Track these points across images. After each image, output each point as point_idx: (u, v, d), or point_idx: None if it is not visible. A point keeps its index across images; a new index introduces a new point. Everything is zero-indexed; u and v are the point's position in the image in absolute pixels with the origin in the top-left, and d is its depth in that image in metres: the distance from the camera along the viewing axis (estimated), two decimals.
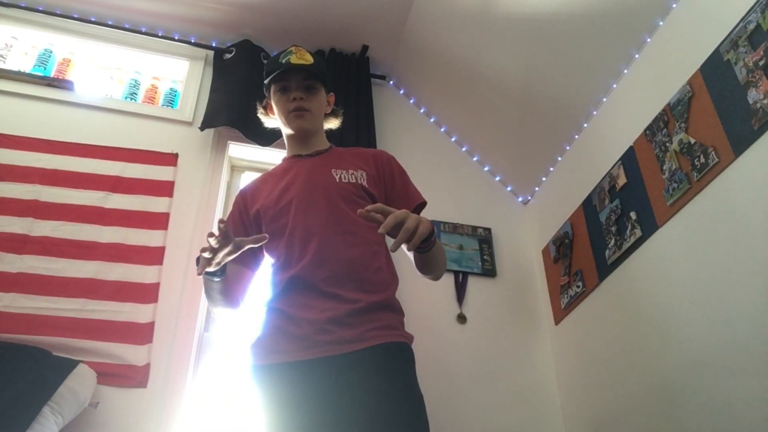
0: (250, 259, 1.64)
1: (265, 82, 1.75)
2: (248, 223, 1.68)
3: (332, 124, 1.88)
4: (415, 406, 1.34)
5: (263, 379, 1.44)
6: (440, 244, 1.58)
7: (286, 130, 1.77)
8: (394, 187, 1.70)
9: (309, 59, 1.72)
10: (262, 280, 1.67)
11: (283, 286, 1.52)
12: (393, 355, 1.40)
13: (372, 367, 1.35)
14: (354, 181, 1.63)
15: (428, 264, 1.56)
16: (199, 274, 1.40)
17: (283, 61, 1.70)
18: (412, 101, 3.29)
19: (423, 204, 1.69)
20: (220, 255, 1.38)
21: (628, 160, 2.29)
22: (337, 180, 1.63)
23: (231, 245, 1.37)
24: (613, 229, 2.32)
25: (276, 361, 1.43)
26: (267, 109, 1.81)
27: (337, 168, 1.66)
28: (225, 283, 1.53)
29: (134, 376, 2.14)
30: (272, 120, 1.82)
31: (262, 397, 1.42)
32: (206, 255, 1.36)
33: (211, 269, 1.42)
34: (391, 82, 3.32)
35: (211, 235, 1.34)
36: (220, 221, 1.36)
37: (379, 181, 1.68)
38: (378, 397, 1.30)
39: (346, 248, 1.52)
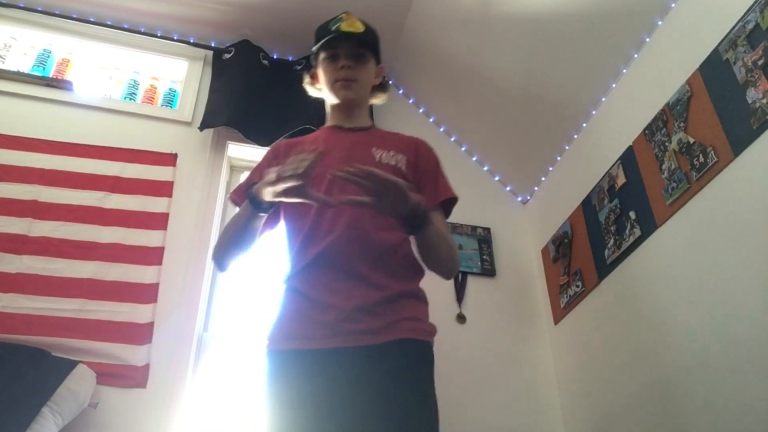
0: (272, 218, 1.55)
1: (313, 49, 1.67)
2: None
3: (379, 99, 1.78)
4: (426, 416, 1.30)
5: (280, 365, 1.36)
6: (444, 236, 1.49)
7: (330, 100, 1.68)
8: (425, 175, 1.61)
9: (360, 27, 1.65)
10: (281, 253, 1.58)
11: (307, 261, 1.44)
12: (416, 357, 1.35)
13: (392, 367, 1.30)
14: (394, 164, 1.55)
15: (425, 253, 1.47)
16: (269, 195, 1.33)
17: (333, 28, 1.63)
18: (411, 101, 3.29)
19: (452, 200, 1.59)
20: (285, 186, 1.28)
21: (628, 159, 2.29)
22: (377, 160, 1.55)
23: (301, 182, 1.28)
24: (613, 228, 2.32)
25: (297, 347, 1.35)
26: (313, 78, 1.71)
27: (378, 147, 1.59)
28: (261, 221, 1.46)
29: (133, 377, 2.14)
30: (316, 90, 1.71)
31: (277, 384, 1.34)
32: (287, 175, 1.27)
33: (268, 198, 1.35)
34: (390, 82, 3.32)
35: (302, 159, 1.26)
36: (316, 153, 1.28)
37: (415, 169, 1.59)
38: (391, 400, 1.26)
39: (378, 230, 1.45)
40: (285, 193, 1.31)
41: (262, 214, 1.44)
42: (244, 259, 1.54)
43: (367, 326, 1.33)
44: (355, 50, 1.63)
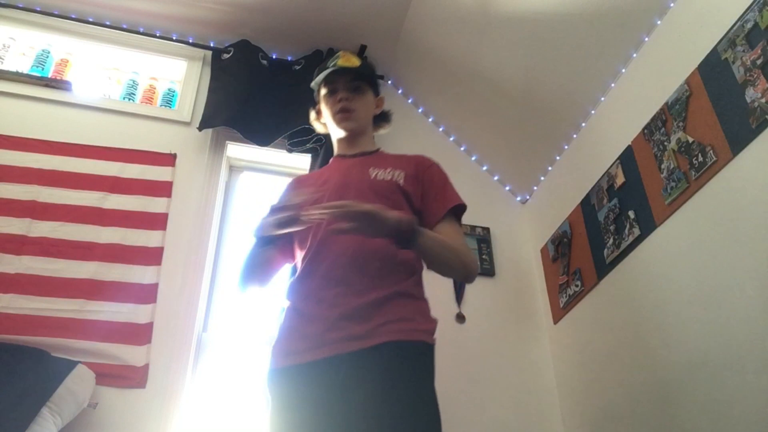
0: (288, 250, 1.64)
1: (313, 85, 1.79)
2: None
3: (383, 128, 1.86)
4: (421, 416, 1.28)
5: (276, 383, 1.41)
6: (447, 244, 1.51)
7: (334, 132, 1.77)
8: (432, 187, 1.65)
9: (355, 62, 1.74)
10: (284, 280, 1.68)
11: (300, 274, 1.52)
12: (404, 357, 1.35)
13: (382, 371, 1.30)
14: (390, 178, 1.61)
15: (428, 263, 1.51)
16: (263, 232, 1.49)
17: (331, 64, 1.73)
18: (410, 101, 3.29)
19: (460, 207, 1.62)
20: (278, 217, 1.44)
21: (627, 159, 2.29)
22: (372, 177, 1.62)
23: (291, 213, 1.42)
24: (612, 228, 2.32)
25: (289, 364, 1.40)
26: (318, 114, 1.82)
27: (375, 167, 1.65)
28: (268, 254, 1.60)
29: (133, 377, 2.14)
30: (322, 126, 1.82)
31: (274, 402, 1.40)
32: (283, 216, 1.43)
33: (267, 232, 1.48)
34: (390, 82, 3.32)
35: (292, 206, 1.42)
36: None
37: (416, 181, 1.64)
38: (381, 403, 1.26)
39: (364, 236, 1.47)
40: (280, 224, 1.44)
41: (268, 247, 1.59)
42: (263, 287, 1.64)
43: (351, 333, 1.35)
44: (352, 83, 1.73)
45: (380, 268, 1.45)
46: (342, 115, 1.70)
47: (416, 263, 1.54)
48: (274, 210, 1.46)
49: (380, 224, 1.35)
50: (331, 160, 1.81)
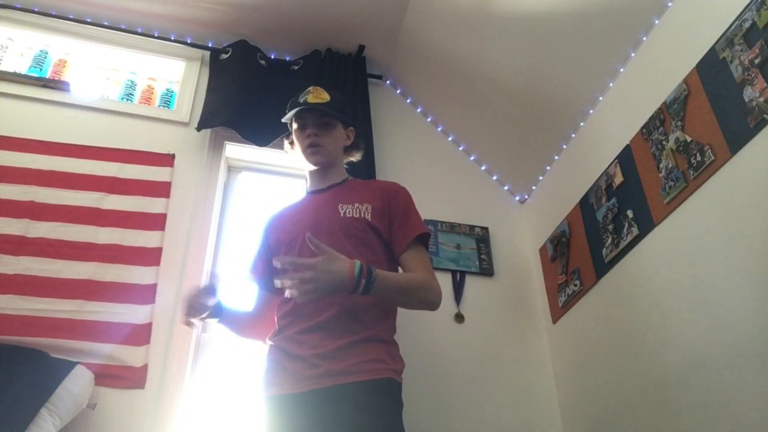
0: (276, 288, 1.71)
1: (284, 120, 1.89)
2: (269, 250, 1.84)
3: (353, 157, 1.97)
4: None
5: (266, 408, 1.56)
6: (405, 284, 1.62)
7: (306, 166, 1.88)
8: (396, 217, 1.75)
9: (325, 98, 1.82)
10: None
11: (284, 322, 1.65)
12: (376, 392, 1.47)
13: (354, 404, 1.43)
14: (358, 215, 1.71)
15: (391, 304, 1.66)
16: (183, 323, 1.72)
17: (301, 100, 1.82)
18: (409, 101, 3.29)
19: (424, 235, 1.74)
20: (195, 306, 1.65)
21: (625, 158, 2.29)
22: (341, 215, 1.71)
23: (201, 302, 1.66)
24: (610, 227, 2.32)
25: (275, 394, 1.55)
26: (291, 144, 1.91)
27: (344, 203, 1.75)
28: (231, 322, 1.79)
29: (132, 377, 2.13)
30: (296, 154, 1.90)
31: (266, 424, 1.54)
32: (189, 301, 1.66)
33: (194, 317, 1.68)
34: (388, 82, 3.32)
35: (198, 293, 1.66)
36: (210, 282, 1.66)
37: (383, 214, 1.74)
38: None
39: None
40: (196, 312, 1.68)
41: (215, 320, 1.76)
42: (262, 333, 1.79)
43: (326, 369, 1.49)
44: (321, 119, 1.83)
45: (357, 313, 1.57)
46: (311, 150, 1.81)
47: (388, 309, 1.67)
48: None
49: (329, 289, 1.44)
50: (304, 197, 1.93)
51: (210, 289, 1.65)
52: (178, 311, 2.32)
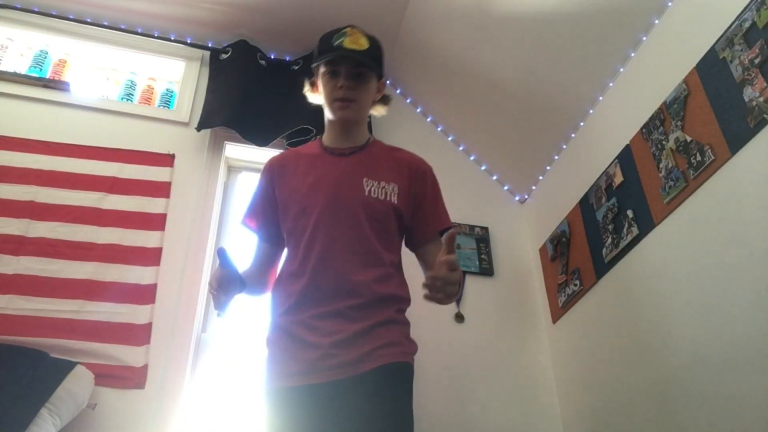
0: (279, 239, 1.65)
1: (313, 64, 1.66)
2: (272, 200, 1.67)
3: (379, 111, 1.74)
4: (400, 429, 1.34)
5: (272, 401, 1.45)
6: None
7: (328, 115, 1.67)
8: (423, 204, 1.64)
9: (363, 44, 1.60)
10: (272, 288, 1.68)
11: (293, 301, 1.51)
12: (389, 377, 1.40)
13: (366, 391, 1.36)
14: (383, 197, 1.57)
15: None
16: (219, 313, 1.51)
17: (335, 43, 1.58)
18: (408, 101, 3.29)
19: (449, 229, 1.60)
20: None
21: (625, 158, 2.29)
22: (366, 194, 1.57)
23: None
24: (610, 227, 2.32)
25: (284, 385, 1.44)
26: (313, 86, 1.69)
27: (369, 177, 1.59)
28: (247, 288, 1.57)
29: (132, 378, 2.13)
30: (317, 97, 1.69)
31: (273, 420, 1.43)
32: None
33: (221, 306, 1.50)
34: (388, 82, 3.32)
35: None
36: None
37: (407, 195, 1.61)
38: (363, 421, 1.32)
39: (362, 268, 1.50)
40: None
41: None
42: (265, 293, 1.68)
43: (343, 360, 1.40)
44: (355, 69, 1.60)
45: (371, 298, 1.48)
46: (341, 104, 1.60)
47: (401, 294, 1.57)
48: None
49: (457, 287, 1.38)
50: (317, 146, 1.71)
51: (230, 273, 1.45)
52: (178, 311, 2.32)
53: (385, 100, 1.74)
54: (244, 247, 1.74)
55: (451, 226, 1.64)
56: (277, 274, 1.64)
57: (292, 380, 1.42)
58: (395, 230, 1.60)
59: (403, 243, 1.68)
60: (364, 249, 1.52)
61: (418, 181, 1.65)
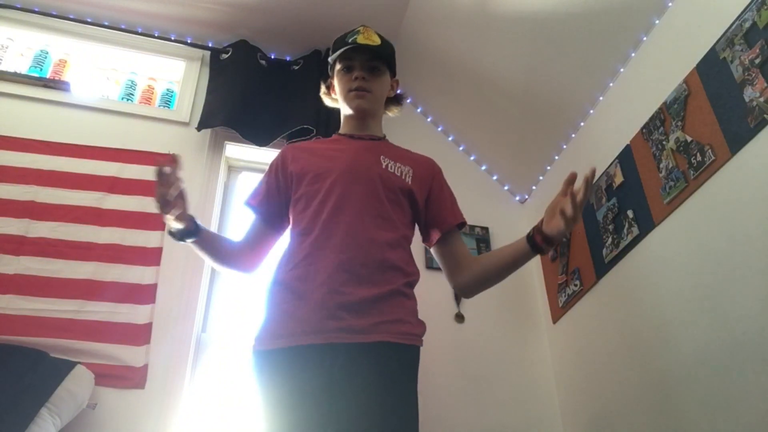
0: (277, 221, 1.63)
1: (330, 60, 1.72)
2: (280, 178, 1.65)
3: (393, 111, 1.82)
4: (406, 417, 1.31)
5: (264, 366, 1.39)
6: None
7: (344, 110, 1.71)
8: (443, 195, 1.69)
9: (376, 40, 1.68)
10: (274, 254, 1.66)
11: (302, 255, 1.46)
12: (398, 359, 1.36)
13: (374, 367, 1.32)
14: (399, 174, 1.60)
15: (503, 274, 1.69)
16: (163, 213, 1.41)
17: (350, 40, 1.66)
18: (408, 101, 3.29)
19: (463, 225, 1.69)
20: (168, 194, 1.37)
21: (625, 158, 2.29)
22: (383, 166, 1.60)
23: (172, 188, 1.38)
24: (611, 227, 2.32)
25: (279, 346, 1.37)
26: (330, 88, 1.76)
27: (386, 156, 1.63)
28: (206, 247, 1.55)
29: (132, 377, 2.14)
30: (332, 101, 1.76)
31: (265, 384, 1.37)
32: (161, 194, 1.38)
33: (173, 222, 1.43)
34: None
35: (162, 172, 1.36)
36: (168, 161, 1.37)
37: (422, 183, 1.65)
38: (372, 397, 1.28)
39: (375, 230, 1.48)
40: (173, 206, 1.40)
41: (189, 240, 1.51)
42: (251, 274, 1.66)
43: (350, 324, 1.35)
44: (370, 62, 1.67)
45: (387, 263, 1.46)
46: (357, 93, 1.64)
47: (411, 269, 1.54)
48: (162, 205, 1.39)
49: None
50: (335, 135, 1.74)
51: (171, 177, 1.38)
52: (178, 311, 2.32)
53: (398, 99, 1.81)
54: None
55: (464, 222, 1.69)
56: (290, 241, 1.57)
57: (289, 340, 1.36)
58: (407, 208, 1.60)
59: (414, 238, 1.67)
60: (378, 212, 1.52)
61: (435, 176, 1.71)
